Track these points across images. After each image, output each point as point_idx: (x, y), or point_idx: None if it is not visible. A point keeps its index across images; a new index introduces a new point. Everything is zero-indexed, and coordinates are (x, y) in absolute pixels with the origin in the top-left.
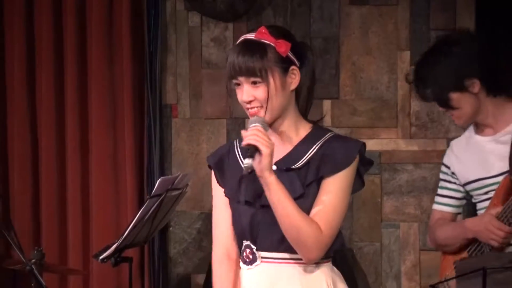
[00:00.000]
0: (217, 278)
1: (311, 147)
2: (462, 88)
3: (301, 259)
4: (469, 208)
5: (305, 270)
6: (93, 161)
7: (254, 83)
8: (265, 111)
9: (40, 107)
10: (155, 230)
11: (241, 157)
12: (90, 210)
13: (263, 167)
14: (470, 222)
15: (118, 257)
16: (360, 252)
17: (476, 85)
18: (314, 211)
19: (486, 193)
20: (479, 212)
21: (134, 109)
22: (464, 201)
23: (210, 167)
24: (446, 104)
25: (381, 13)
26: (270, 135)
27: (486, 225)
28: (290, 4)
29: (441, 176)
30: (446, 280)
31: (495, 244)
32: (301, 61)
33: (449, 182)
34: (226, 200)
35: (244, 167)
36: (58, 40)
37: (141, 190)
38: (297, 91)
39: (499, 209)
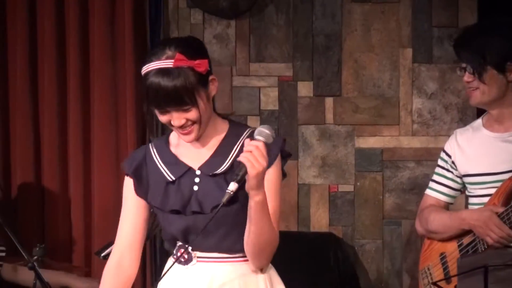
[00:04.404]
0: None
1: (232, 149)
2: (500, 68)
3: (238, 257)
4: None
5: (242, 267)
6: (96, 157)
7: (185, 110)
8: (199, 129)
9: (43, 103)
10: (157, 226)
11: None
12: (92, 207)
13: (249, 187)
14: (468, 214)
15: None
16: (362, 250)
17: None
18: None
19: (486, 189)
20: (471, 207)
21: (136, 106)
22: (458, 193)
23: (127, 174)
24: (479, 73)
25: (383, 10)
26: (193, 143)
27: (486, 220)
28: (292, 1)
29: (440, 163)
30: (446, 278)
31: (490, 241)
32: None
33: (448, 170)
34: (136, 208)
35: (226, 191)
36: (60, 37)
37: None
38: None
39: (500, 209)
